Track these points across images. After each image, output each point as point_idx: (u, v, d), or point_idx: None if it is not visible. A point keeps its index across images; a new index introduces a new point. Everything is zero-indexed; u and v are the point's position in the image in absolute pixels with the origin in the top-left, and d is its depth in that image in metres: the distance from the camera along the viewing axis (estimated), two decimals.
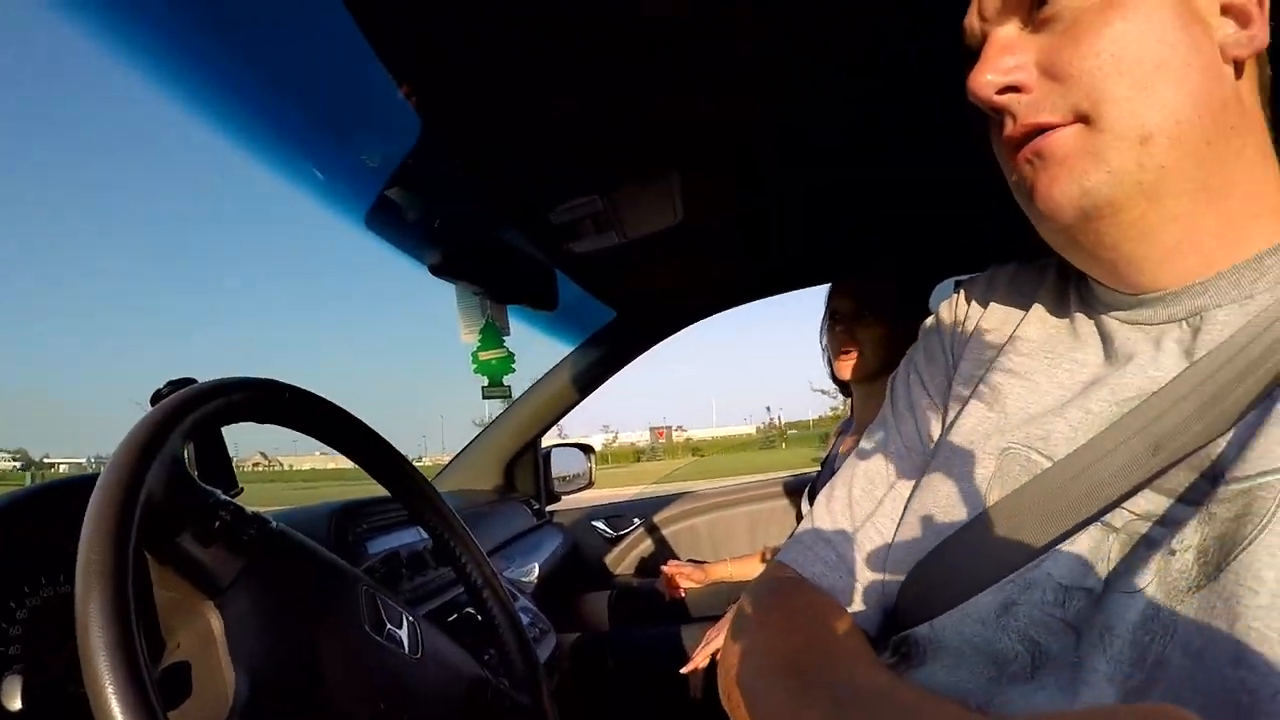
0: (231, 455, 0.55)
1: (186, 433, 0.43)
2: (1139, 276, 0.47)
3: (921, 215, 1.40)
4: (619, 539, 2.07)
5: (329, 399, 0.58)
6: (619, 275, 1.51)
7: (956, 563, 0.47)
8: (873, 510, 0.56)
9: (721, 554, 2.07)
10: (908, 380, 0.61)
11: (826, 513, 0.59)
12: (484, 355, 1.15)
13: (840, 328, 1.40)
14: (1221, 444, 0.39)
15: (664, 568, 1.69)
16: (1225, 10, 0.45)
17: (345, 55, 0.73)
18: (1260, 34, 0.45)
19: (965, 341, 0.58)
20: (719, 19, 0.71)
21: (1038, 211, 0.47)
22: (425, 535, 0.77)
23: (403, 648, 0.54)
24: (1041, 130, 0.45)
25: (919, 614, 0.48)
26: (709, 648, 1.22)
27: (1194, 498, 0.39)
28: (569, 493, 2.11)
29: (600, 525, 2.08)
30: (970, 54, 0.50)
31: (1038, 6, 0.45)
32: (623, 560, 2.03)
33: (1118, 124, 0.43)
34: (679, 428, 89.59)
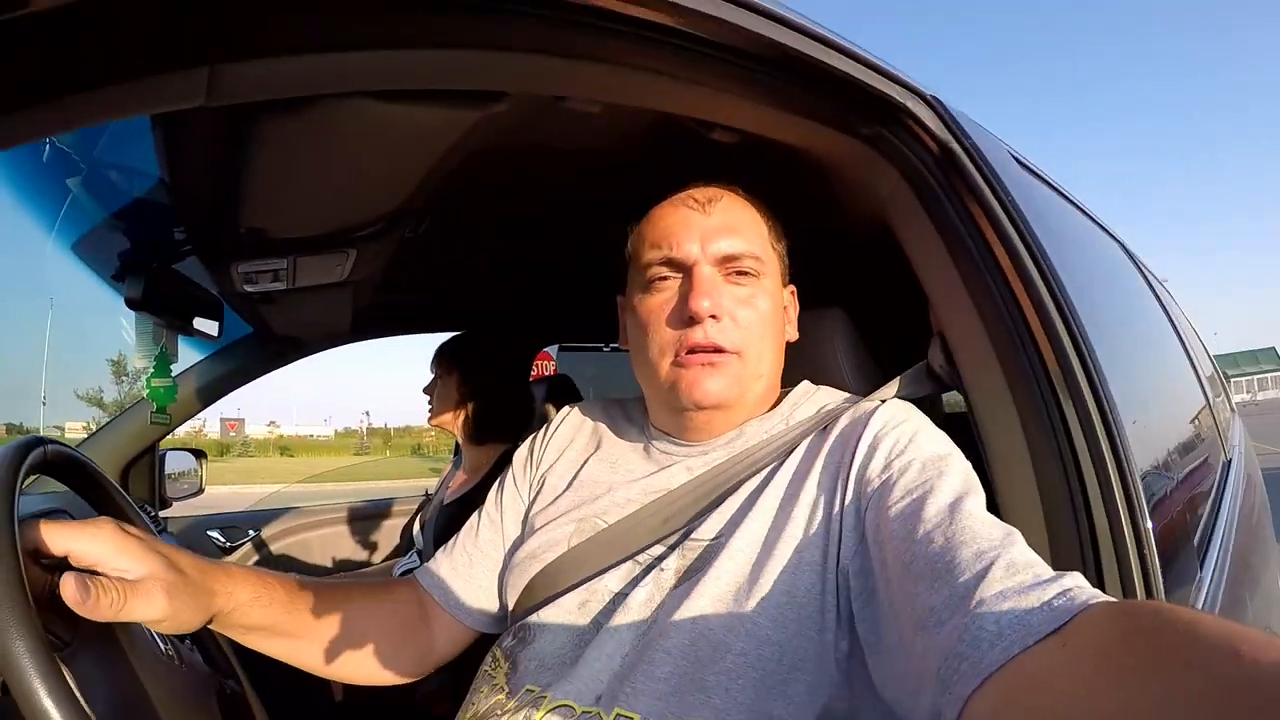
0: None
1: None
2: (694, 437, 0.78)
3: (537, 289, 1.75)
4: (233, 549, 2.07)
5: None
6: (266, 302, 1.52)
7: (552, 579, 0.74)
8: (480, 556, 0.86)
9: (333, 567, 2.22)
10: (511, 477, 0.90)
11: (446, 557, 0.88)
12: (155, 383, 1.19)
13: (429, 393, 1.76)
14: (695, 521, 0.71)
15: None
16: (785, 309, 0.82)
17: None
18: (794, 331, 0.85)
19: (560, 452, 0.88)
20: (394, 142, 0.82)
21: (688, 397, 0.73)
22: None
23: (174, 659, 0.67)
24: (718, 349, 0.72)
25: (529, 611, 0.74)
26: None
27: (675, 545, 0.70)
28: (179, 499, 2.03)
29: (215, 535, 2.06)
30: (671, 263, 0.75)
31: (737, 274, 0.75)
32: None
33: (753, 364, 0.75)
34: (271, 423, 78.90)
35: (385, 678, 0.81)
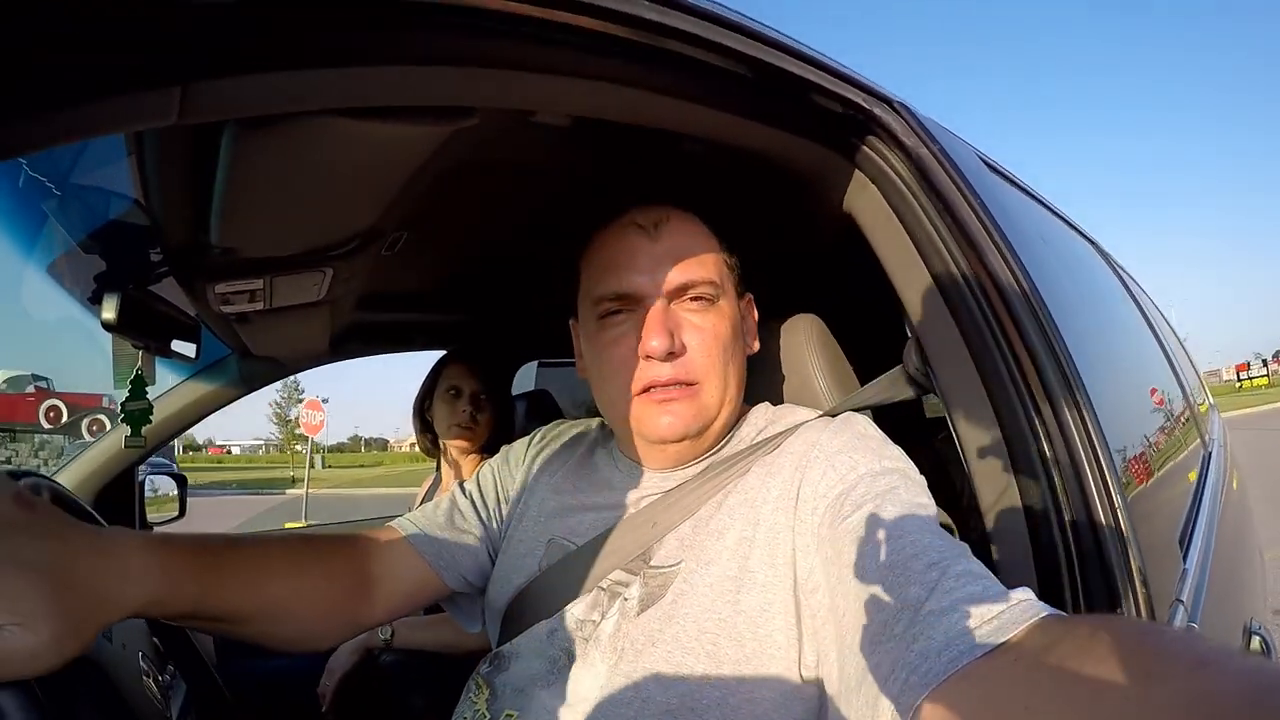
0: None
1: None
2: (654, 464, 0.79)
3: (515, 304, 1.73)
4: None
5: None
6: (243, 323, 1.48)
7: (525, 606, 0.76)
8: (462, 521, 0.86)
9: None
10: (495, 469, 0.90)
11: (430, 515, 0.87)
12: (131, 406, 1.18)
13: (467, 406, 1.67)
14: (655, 548, 0.72)
15: None
16: (743, 319, 0.81)
17: None
18: (754, 342, 0.84)
19: (540, 467, 0.88)
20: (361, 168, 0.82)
21: (653, 433, 0.73)
22: None
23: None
24: (677, 383, 0.72)
25: (505, 638, 0.77)
26: (334, 676, 1.38)
27: (635, 571, 0.72)
28: (160, 523, 2.01)
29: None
30: (622, 298, 0.73)
31: (692, 300, 0.73)
32: None
33: (716, 393, 0.73)
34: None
35: (303, 645, 0.75)
